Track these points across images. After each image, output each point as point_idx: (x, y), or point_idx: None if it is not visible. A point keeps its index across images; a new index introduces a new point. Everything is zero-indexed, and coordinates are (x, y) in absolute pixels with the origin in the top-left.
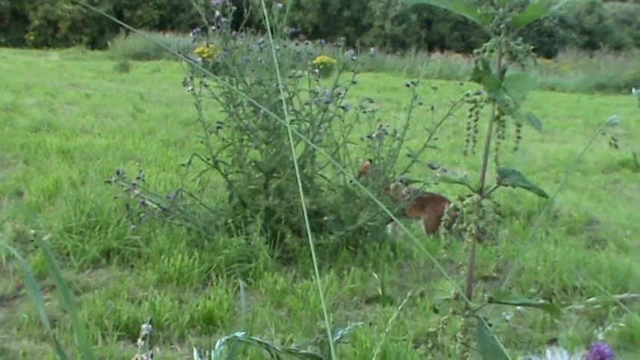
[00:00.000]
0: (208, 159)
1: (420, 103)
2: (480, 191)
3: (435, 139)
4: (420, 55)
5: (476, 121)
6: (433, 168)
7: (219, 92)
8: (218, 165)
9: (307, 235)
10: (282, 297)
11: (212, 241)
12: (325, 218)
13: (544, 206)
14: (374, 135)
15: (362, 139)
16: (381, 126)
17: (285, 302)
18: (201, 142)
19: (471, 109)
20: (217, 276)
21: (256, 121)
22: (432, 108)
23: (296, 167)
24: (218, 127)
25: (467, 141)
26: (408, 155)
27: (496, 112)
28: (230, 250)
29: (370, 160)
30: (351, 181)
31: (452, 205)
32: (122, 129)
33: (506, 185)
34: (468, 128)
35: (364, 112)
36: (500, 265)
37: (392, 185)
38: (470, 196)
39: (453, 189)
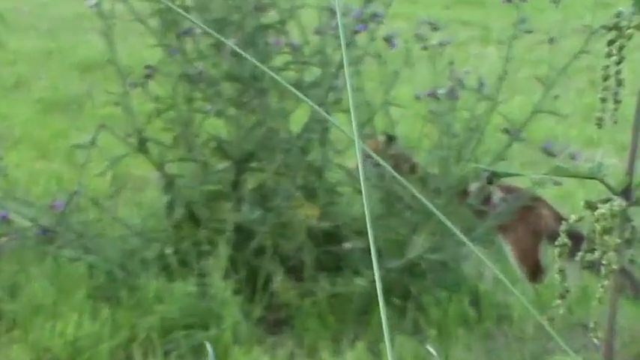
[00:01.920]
0: (129, 135)
1: (529, 32)
2: (625, 193)
3: (556, 97)
4: None
5: (619, 64)
6: (550, 153)
7: (150, 10)
8: (147, 147)
9: (312, 276)
10: None
11: (136, 289)
12: (347, 245)
13: None
14: (440, 91)
15: (417, 97)
16: (453, 72)
17: None
18: (116, 105)
19: (610, 42)
20: (146, 353)
21: (219, 65)
22: (551, 39)
23: (293, 151)
24: (147, 77)
25: (602, 100)
26: (505, 130)
27: None
28: (170, 306)
29: (390, 137)
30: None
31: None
32: None
33: None
34: (605, 78)
35: (423, 47)
36: None
37: (473, 186)
38: (607, 201)
39: (586, 189)
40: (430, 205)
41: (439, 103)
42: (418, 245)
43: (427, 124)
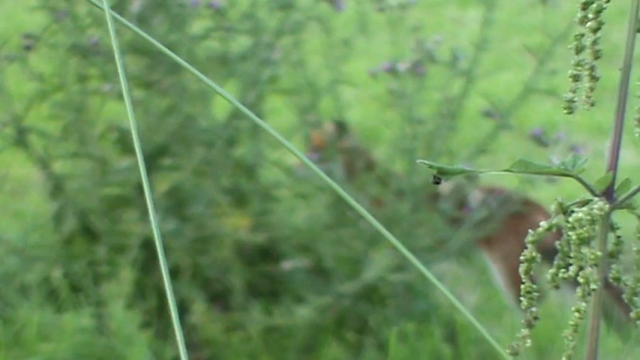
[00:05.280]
0: (4, 125)
1: None
2: (607, 193)
3: (553, 72)
4: None
5: (596, 31)
6: (541, 142)
7: None
8: (27, 139)
9: (242, 305)
10: None
11: (14, 322)
12: (286, 265)
13: None
14: (402, 66)
15: (373, 74)
16: (419, 42)
17: None
18: None
19: (585, 5)
20: None
21: (120, 34)
22: None
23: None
24: (27, 48)
25: (574, 78)
26: (487, 115)
27: None
28: (59, 345)
29: (340, 125)
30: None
31: (547, 222)
32: None
33: None
34: (578, 50)
35: (379, 9)
36: None
37: (445, 186)
38: (586, 203)
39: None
40: (376, 222)
41: (401, 81)
42: (376, 263)
43: (387, 109)
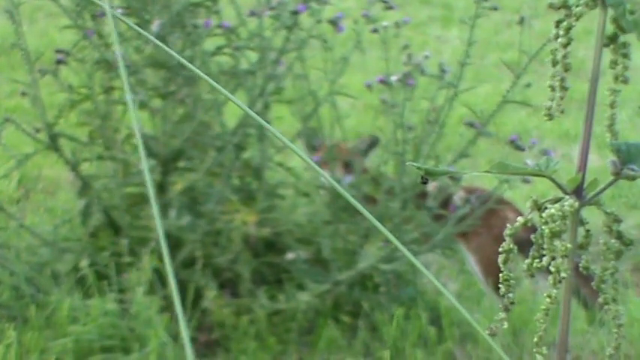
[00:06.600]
0: (37, 130)
1: (494, 9)
2: (577, 192)
3: (527, 85)
4: None
5: (566, 46)
6: (518, 147)
7: None
8: (59, 144)
9: (250, 291)
10: None
11: (47, 306)
12: (290, 256)
13: None
14: (393, 78)
15: (368, 86)
16: (409, 58)
17: None
18: (23, 95)
19: (558, 23)
20: None
21: (141, 49)
22: (522, 20)
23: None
24: (58, 63)
25: (551, 89)
26: (469, 124)
27: (610, 28)
28: (86, 327)
29: (374, 139)
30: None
31: (523, 217)
32: None
33: (632, 178)
34: (554, 62)
35: (373, 30)
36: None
37: (431, 186)
38: (558, 201)
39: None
40: (371, 217)
41: (393, 92)
42: (370, 255)
43: (380, 117)
